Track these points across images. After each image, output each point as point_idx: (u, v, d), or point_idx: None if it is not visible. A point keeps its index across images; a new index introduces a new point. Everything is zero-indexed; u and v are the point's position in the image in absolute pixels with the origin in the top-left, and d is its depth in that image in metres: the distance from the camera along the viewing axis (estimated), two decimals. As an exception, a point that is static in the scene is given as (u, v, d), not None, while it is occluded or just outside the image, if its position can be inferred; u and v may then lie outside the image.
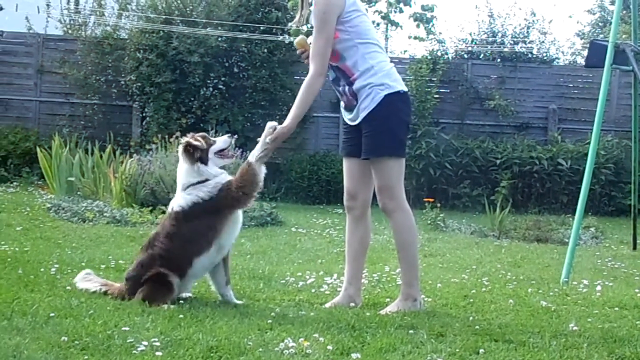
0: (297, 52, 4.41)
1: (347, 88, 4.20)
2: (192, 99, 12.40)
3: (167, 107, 12.33)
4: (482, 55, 14.38)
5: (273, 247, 6.71)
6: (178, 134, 9.73)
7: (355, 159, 4.31)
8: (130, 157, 9.41)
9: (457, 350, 3.31)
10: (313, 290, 4.65)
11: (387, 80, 4.16)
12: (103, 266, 5.09)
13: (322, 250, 6.79)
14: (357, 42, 4.17)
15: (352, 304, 4.24)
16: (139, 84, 12.51)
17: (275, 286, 4.71)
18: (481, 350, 3.31)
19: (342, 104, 4.32)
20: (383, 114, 4.13)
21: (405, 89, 4.28)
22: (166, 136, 9.66)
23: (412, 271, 4.24)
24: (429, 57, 13.39)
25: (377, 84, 4.14)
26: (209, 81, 12.42)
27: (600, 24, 18.18)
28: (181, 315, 3.66)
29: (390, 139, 4.16)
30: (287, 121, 4.15)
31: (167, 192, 8.05)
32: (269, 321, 3.66)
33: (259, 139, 4.14)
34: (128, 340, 3.16)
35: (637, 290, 5.21)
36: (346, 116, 4.32)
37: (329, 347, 3.22)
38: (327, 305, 4.24)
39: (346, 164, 4.40)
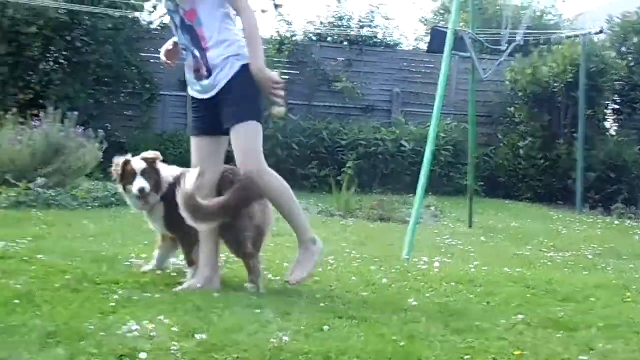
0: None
1: (202, 54, 4.06)
2: (31, 73, 11.75)
3: (3, 81, 11.64)
4: (329, 38, 14.58)
5: (117, 229, 6.51)
6: (15, 110, 9.28)
7: (206, 137, 4.22)
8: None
9: (303, 327, 3.35)
10: (159, 272, 4.55)
11: (243, 52, 4.08)
12: None
13: (169, 231, 6.64)
14: (218, 8, 4.05)
15: (209, 286, 4.15)
16: (-27, 56, 11.72)
17: (119, 268, 4.56)
18: (326, 327, 3.37)
19: (190, 73, 4.15)
20: (242, 82, 4.04)
21: None
22: (1, 112, 9.16)
23: (298, 219, 4.37)
24: (276, 38, 13.43)
25: (234, 54, 4.05)
26: (48, 55, 11.83)
27: (441, 11, 18.87)
28: (17, 301, 3.48)
29: (251, 105, 4.08)
30: (257, 61, 4.05)
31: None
32: (112, 304, 3.55)
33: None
34: (-42, 329, 2.97)
35: (471, 266, 5.50)
36: (195, 89, 4.17)
37: (174, 329, 3.17)
38: (179, 289, 4.15)
39: (195, 143, 4.29)
